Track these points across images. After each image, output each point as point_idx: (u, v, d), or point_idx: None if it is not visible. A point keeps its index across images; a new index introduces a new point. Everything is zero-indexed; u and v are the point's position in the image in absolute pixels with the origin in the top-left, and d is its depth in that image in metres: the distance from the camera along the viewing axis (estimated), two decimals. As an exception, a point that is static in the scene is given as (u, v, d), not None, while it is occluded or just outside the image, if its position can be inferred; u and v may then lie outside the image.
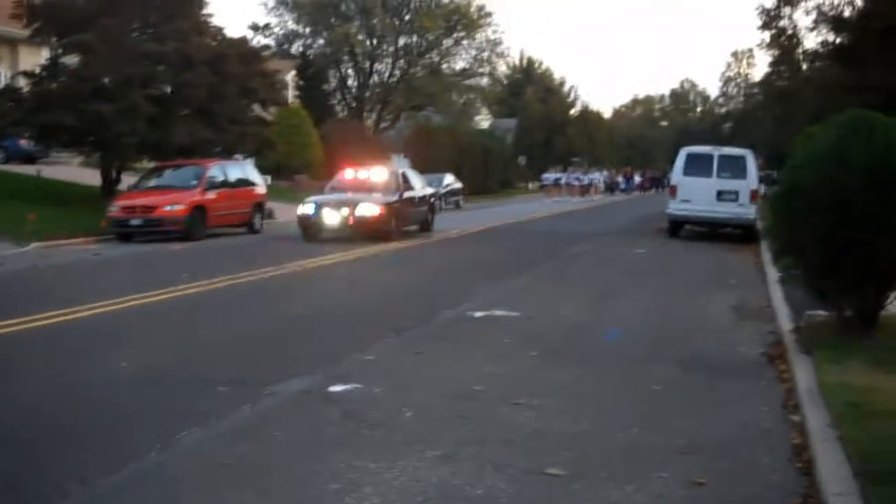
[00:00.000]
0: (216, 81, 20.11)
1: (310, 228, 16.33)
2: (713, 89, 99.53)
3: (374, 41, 49.23)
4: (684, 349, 6.94)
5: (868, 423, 4.44)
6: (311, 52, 47.65)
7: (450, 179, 33.03)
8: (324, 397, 5.34)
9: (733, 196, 17.37)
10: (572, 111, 75.27)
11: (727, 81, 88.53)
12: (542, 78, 74.38)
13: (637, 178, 60.89)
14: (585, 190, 46.75)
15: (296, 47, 48.88)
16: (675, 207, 18.14)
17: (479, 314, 8.36)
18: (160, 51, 19.72)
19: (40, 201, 18.08)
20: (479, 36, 50.38)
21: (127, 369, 6.01)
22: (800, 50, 30.89)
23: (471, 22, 49.43)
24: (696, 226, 18.74)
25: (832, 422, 4.52)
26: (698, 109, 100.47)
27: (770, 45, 31.83)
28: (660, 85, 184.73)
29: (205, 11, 21.81)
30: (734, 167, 17.55)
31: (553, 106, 69.56)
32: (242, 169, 20.03)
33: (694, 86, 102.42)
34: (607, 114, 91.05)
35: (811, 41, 36.01)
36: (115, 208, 16.77)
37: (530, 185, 56.08)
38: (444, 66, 51.72)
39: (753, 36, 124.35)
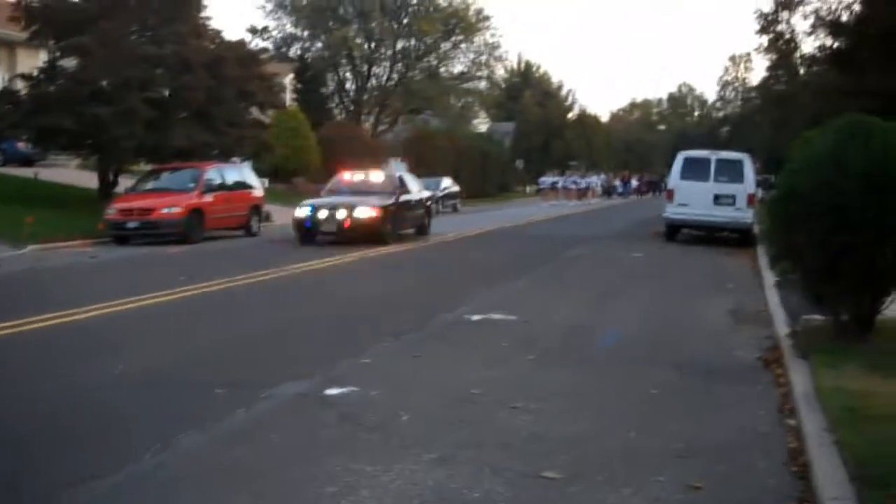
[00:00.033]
0: (214, 84, 20.09)
1: (306, 232, 16.32)
2: (711, 93, 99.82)
3: (373, 44, 49.20)
4: (681, 353, 6.94)
5: (864, 428, 4.44)
6: (309, 56, 47.61)
7: (447, 183, 33.05)
8: (320, 400, 5.33)
9: (730, 200, 17.40)
10: (570, 115, 75.28)
11: (725, 85, 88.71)
12: (540, 82, 74.43)
13: (634, 182, 60.87)
14: (583, 194, 46.76)
15: (294, 50, 48.84)
16: (673, 211, 18.16)
17: (476, 317, 8.36)
18: (158, 54, 19.70)
19: (37, 204, 18.07)
20: (478, 39, 50.34)
21: (124, 372, 6.00)
22: (797, 54, 30.93)
23: (469, 26, 49.40)
24: (693, 230, 18.76)
25: (828, 426, 4.52)
26: (696, 113, 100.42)
27: (768, 50, 31.83)
28: (657, 89, 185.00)
29: (203, 14, 21.82)
30: (731, 171, 17.58)
31: (551, 110, 69.57)
32: (240, 172, 20.01)
33: (692, 90, 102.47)
34: (605, 117, 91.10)
35: (809, 46, 36.15)
36: (112, 211, 16.75)
37: (528, 189, 56.07)
38: (442, 69, 51.67)
39: (751, 40, 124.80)
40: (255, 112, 24.01)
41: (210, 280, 10.55)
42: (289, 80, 40.96)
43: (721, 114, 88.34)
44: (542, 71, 76.18)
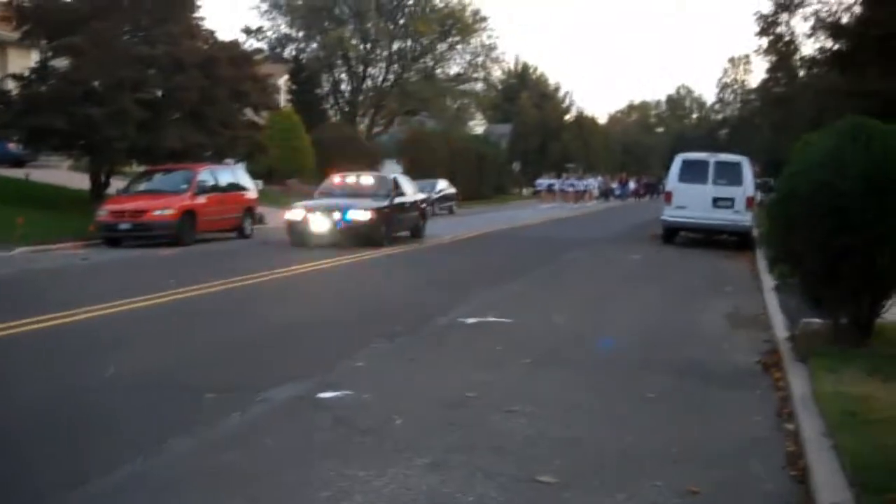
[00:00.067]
0: (207, 85, 20.01)
1: (298, 234, 16.21)
2: (710, 95, 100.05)
3: (368, 45, 49.16)
4: (679, 356, 6.90)
5: (863, 432, 4.40)
6: (304, 56, 47.56)
7: (443, 185, 33.00)
8: (314, 404, 5.28)
9: (729, 203, 17.36)
10: (567, 117, 75.31)
11: (724, 87, 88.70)
12: (537, 83, 74.40)
13: (632, 185, 60.85)
14: (580, 196, 46.81)
15: (289, 51, 48.80)
16: (671, 214, 18.12)
17: (471, 320, 8.30)
18: (151, 54, 19.62)
19: (28, 205, 17.97)
20: (474, 41, 50.36)
21: (117, 375, 5.94)
22: (797, 56, 30.87)
23: (465, 26, 49.40)
24: (692, 233, 18.73)
25: (827, 430, 4.49)
26: (694, 115, 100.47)
27: (767, 52, 31.75)
28: (656, 91, 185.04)
29: (196, 15, 21.72)
30: (730, 174, 17.55)
31: (548, 111, 69.51)
32: (233, 173, 19.90)
33: (690, 92, 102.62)
34: (603, 119, 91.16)
35: (809, 48, 35.97)
36: (103, 213, 16.61)
37: (524, 191, 56.10)
38: (439, 70, 51.68)
39: (750, 42, 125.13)
40: (249, 113, 23.93)
41: (202, 283, 10.48)
42: (283, 80, 40.89)
43: (720, 116, 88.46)
44: (539, 72, 76.21)
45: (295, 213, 16.42)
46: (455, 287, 10.91)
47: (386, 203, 16.78)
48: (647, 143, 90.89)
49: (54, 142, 20.08)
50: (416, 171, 30.38)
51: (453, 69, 51.82)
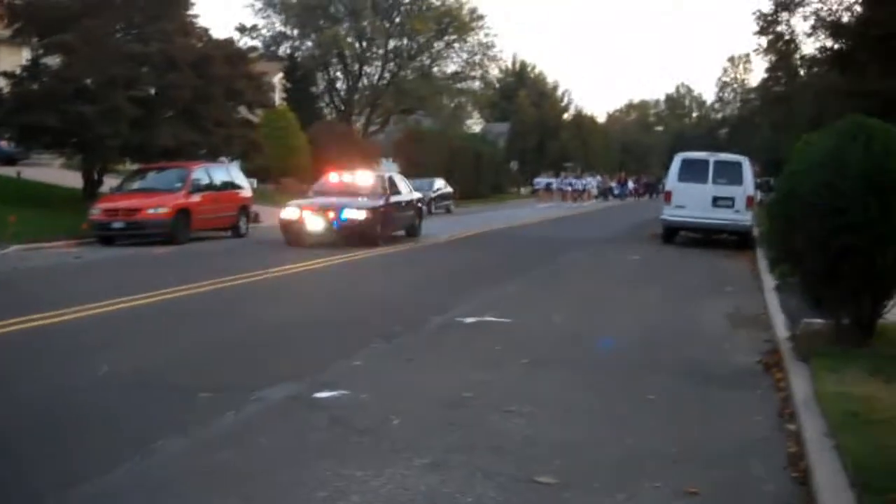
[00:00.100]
0: (201, 83, 19.94)
1: (293, 233, 16.13)
2: (709, 94, 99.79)
3: (364, 43, 49.02)
4: (679, 357, 6.87)
5: (865, 433, 4.37)
6: (299, 55, 47.37)
7: (440, 184, 32.96)
8: (310, 403, 5.23)
9: (729, 202, 17.33)
10: (566, 115, 75.27)
11: (723, 87, 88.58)
12: (535, 82, 74.34)
13: (631, 184, 60.86)
14: (578, 195, 46.79)
15: (283, 49, 48.58)
16: (670, 213, 18.08)
17: (469, 320, 8.25)
18: (144, 52, 19.53)
19: (20, 203, 17.88)
20: (471, 39, 50.17)
21: (110, 374, 5.88)
22: (797, 55, 30.84)
23: (462, 25, 49.27)
24: (691, 232, 18.70)
25: (829, 431, 4.46)
26: (694, 115, 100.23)
27: (767, 51, 31.71)
28: (655, 90, 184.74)
29: (190, 13, 21.66)
30: (730, 173, 17.52)
31: (546, 110, 69.43)
32: (228, 172, 19.80)
33: (690, 91, 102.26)
34: (601, 118, 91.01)
35: (809, 47, 35.81)
36: (96, 211, 16.51)
37: (522, 190, 56.08)
38: (435, 69, 51.51)
39: (750, 41, 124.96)
40: (243, 111, 23.88)
41: (197, 281, 10.42)
42: (278, 79, 40.81)
43: (719, 115, 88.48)
44: (537, 71, 76.16)
45: (290, 212, 16.31)
46: (453, 287, 10.86)
47: (381, 202, 16.70)
48: (647, 142, 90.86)
49: (46, 140, 20.00)
50: (413, 170, 30.35)
51: (450, 67, 51.67)
